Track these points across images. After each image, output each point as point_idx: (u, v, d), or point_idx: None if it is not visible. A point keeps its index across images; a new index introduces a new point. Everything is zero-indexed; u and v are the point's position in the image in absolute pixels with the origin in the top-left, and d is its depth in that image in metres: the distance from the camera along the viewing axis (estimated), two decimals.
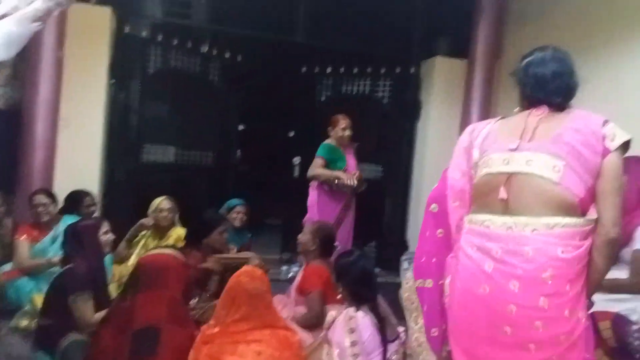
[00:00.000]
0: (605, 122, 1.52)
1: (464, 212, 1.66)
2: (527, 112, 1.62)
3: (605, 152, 1.48)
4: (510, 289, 1.44)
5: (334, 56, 5.32)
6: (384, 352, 2.31)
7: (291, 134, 5.73)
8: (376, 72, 5.29)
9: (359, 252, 2.76)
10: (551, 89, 1.59)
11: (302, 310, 2.91)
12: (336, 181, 4.05)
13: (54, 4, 1.32)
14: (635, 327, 2.03)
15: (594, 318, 1.91)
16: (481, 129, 1.69)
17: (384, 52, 5.19)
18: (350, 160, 4.28)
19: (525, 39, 4.57)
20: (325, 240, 3.12)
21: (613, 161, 1.47)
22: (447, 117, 5.00)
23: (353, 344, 2.26)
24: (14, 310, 3.06)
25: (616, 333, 1.97)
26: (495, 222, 1.51)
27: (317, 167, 4.09)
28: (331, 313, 2.45)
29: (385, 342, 2.33)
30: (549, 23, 4.28)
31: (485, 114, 4.73)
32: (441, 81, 5.06)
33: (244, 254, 3.41)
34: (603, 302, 2.06)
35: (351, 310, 2.37)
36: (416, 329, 1.77)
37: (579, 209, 1.48)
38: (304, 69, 5.42)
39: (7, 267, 3.32)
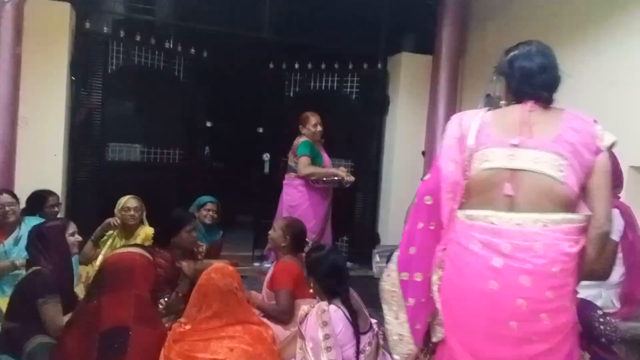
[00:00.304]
0: (595, 122, 1.58)
1: (455, 204, 1.64)
2: (518, 106, 1.63)
3: (598, 151, 1.55)
4: (520, 283, 1.48)
5: (302, 52, 5.31)
6: (357, 343, 2.32)
7: (260, 130, 5.68)
8: (344, 68, 5.31)
9: (329, 247, 2.78)
10: (538, 83, 1.61)
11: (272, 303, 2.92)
12: (324, 178, 4.08)
13: None
14: (599, 312, 2.09)
15: None
16: (470, 120, 1.66)
17: (351, 48, 5.21)
18: (325, 156, 4.31)
19: (489, 35, 4.67)
20: (296, 236, 3.11)
21: (604, 159, 1.54)
22: (414, 111, 5.08)
23: (326, 337, 2.26)
24: None
25: (582, 318, 2.02)
26: (502, 218, 1.52)
27: (309, 165, 4.11)
28: (303, 307, 2.44)
29: (358, 334, 2.34)
30: (511, 20, 4.38)
31: (451, 109, 4.81)
32: (407, 77, 5.13)
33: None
34: None
35: (323, 304, 2.38)
36: (396, 323, 1.72)
37: (575, 206, 1.54)
38: (271, 65, 5.40)
39: None
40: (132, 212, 3.53)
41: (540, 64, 1.63)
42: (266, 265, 4.65)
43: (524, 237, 1.49)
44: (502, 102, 1.74)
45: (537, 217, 1.50)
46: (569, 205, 1.52)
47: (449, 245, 1.63)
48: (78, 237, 2.77)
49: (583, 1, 3.64)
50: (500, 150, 1.56)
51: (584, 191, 1.55)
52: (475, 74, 4.83)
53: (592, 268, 1.54)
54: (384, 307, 1.74)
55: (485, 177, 1.57)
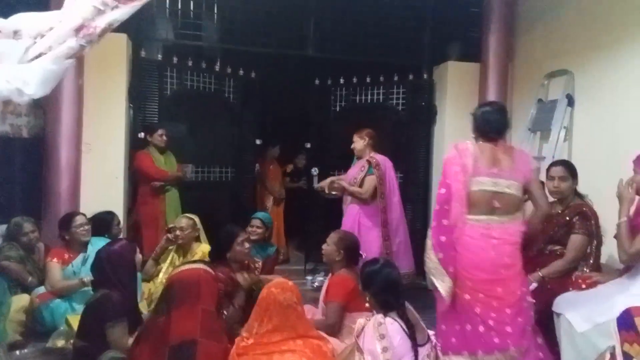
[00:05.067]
0: (528, 154, 2.98)
1: (462, 208, 2.58)
2: (489, 145, 2.64)
3: (532, 171, 2.72)
4: (505, 249, 2.58)
5: (346, 67, 5.36)
6: (416, 356, 2.31)
7: (308, 145, 5.77)
8: (389, 80, 5.32)
9: (383, 260, 2.76)
10: (499, 128, 2.68)
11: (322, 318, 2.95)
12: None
13: (86, 42, 1.39)
14: None
15: (631, 314, 1.94)
16: (467, 154, 2.61)
17: (395, 60, 5.23)
18: (350, 170, 4.36)
19: (537, 39, 4.58)
20: (349, 250, 3.14)
21: (536, 175, 2.82)
22: (463, 120, 4.96)
23: (384, 349, 2.26)
24: (49, 331, 3.13)
25: None
26: (493, 219, 2.60)
27: None
28: (359, 321, 2.46)
29: (416, 346, 2.33)
30: (558, 23, 4.29)
31: None
32: (454, 86, 5.07)
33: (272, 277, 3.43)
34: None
35: (379, 316, 2.38)
36: (443, 284, 2.59)
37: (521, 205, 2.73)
38: (316, 81, 5.48)
39: (41, 289, 3.39)
40: (177, 232, 3.63)
41: (497, 117, 2.71)
42: (319, 278, 4.68)
43: (505, 228, 2.60)
44: (472, 136, 2.74)
45: (509, 217, 2.61)
46: (519, 207, 2.68)
47: (461, 237, 2.58)
48: (140, 256, 2.88)
49: (632, 0, 3.54)
50: (487, 178, 2.58)
51: (527, 193, 2.70)
52: (525, 79, 4.74)
53: (536, 232, 2.86)
54: (432, 278, 2.63)
55: (480, 195, 2.58)
